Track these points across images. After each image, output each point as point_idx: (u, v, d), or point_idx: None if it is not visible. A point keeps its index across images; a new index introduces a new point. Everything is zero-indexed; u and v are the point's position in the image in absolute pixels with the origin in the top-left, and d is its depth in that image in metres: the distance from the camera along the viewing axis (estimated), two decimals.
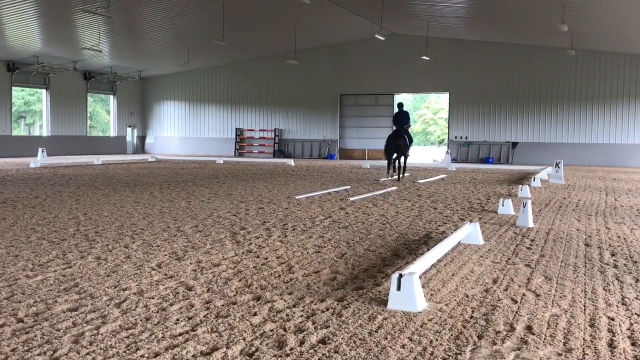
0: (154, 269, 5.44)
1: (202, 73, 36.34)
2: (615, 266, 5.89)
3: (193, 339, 3.62)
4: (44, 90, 32.48)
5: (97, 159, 24.50)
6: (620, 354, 3.51)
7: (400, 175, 16.69)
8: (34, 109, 47.47)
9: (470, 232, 6.96)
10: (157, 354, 3.37)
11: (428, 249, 6.32)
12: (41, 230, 7.49)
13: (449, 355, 3.44)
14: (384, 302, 4.40)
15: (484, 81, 30.23)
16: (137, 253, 6.15)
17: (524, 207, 8.50)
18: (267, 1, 22.70)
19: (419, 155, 38.10)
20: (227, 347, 3.49)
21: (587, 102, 28.66)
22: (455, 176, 19.43)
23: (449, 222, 8.83)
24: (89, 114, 36.67)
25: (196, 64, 33.33)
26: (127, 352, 3.39)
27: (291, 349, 3.49)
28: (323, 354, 3.42)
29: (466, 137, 31.02)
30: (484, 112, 30.55)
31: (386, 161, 17.27)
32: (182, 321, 3.96)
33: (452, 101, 31.35)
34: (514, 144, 30.00)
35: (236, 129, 35.92)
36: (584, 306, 4.47)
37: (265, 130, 35.25)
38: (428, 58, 28.28)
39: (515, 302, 4.55)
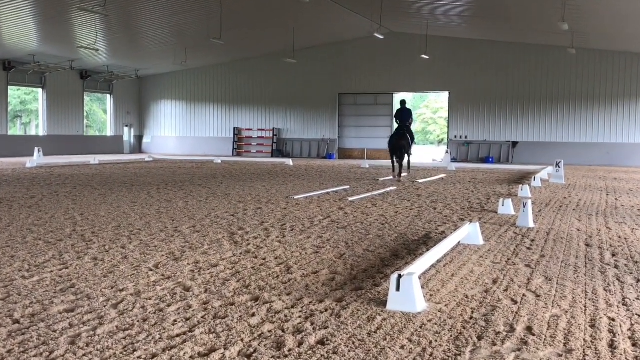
0: (151, 270, 5.42)
1: (200, 72, 36.29)
2: (616, 266, 5.87)
3: (191, 340, 3.60)
4: (40, 90, 32.39)
5: (94, 159, 24.45)
6: (621, 354, 3.50)
7: (404, 174, 16.79)
8: (30, 108, 47.35)
9: (470, 233, 6.94)
10: (154, 356, 3.35)
11: (427, 250, 6.30)
12: (37, 231, 7.45)
13: (449, 356, 3.43)
14: (383, 303, 4.38)
15: (483, 80, 30.20)
16: (134, 253, 6.12)
17: (524, 207, 8.48)
18: None
19: (419, 154, 38.07)
20: (225, 348, 3.47)
21: (587, 101, 28.64)
22: (455, 176, 19.42)
23: (448, 222, 8.81)
24: (85, 114, 36.60)
25: (194, 63, 33.29)
26: (124, 353, 3.38)
27: (290, 350, 3.48)
28: (322, 355, 3.41)
29: (466, 137, 31.00)
30: (484, 111, 30.54)
31: (390, 162, 17.38)
32: (179, 322, 3.94)
33: (451, 100, 31.33)
34: (514, 144, 29.99)
35: (234, 128, 35.88)
36: (585, 307, 4.45)
37: (263, 129, 35.21)
38: (427, 57, 28.25)
39: (516, 302, 4.53)
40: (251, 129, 35.57)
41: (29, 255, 5.95)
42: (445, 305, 4.40)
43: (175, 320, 3.97)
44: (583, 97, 28.68)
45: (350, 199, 11.59)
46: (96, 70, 34.13)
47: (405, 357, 3.40)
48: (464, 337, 3.74)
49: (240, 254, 6.20)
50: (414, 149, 18.03)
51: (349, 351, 3.47)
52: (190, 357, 3.36)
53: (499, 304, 4.48)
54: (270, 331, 3.79)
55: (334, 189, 13.56)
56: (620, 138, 28.28)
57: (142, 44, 29.37)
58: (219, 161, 26.77)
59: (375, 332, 3.80)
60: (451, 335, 3.77)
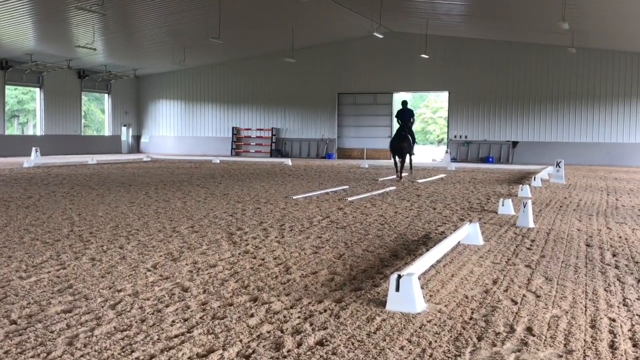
0: (149, 270, 5.40)
1: (198, 71, 36.24)
2: (617, 267, 5.86)
3: (189, 341, 3.59)
4: (37, 89, 32.31)
5: (92, 159, 24.40)
6: (622, 355, 3.49)
7: (405, 174, 16.88)
8: (28, 108, 47.30)
9: (469, 233, 6.92)
10: (152, 356, 3.34)
11: (427, 250, 6.28)
12: (35, 231, 7.43)
13: (448, 357, 3.42)
14: (383, 304, 4.37)
15: (483, 79, 30.17)
16: (132, 254, 6.10)
17: (524, 207, 8.46)
18: None
19: (418, 154, 38.03)
20: (223, 349, 3.46)
21: (588, 101, 28.60)
22: (454, 176, 19.41)
23: (448, 222, 8.80)
24: (83, 113, 36.54)
25: (192, 62, 33.24)
26: (122, 354, 3.37)
27: (288, 350, 3.46)
28: (321, 356, 3.39)
29: (466, 136, 30.98)
30: (484, 110, 30.51)
31: (392, 162, 17.55)
32: (177, 323, 3.92)
33: (451, 100, 31.30)
34: (514, 143, 29.97)
35: (233, 128, 35.84)
36: (585, 307, 4.44)
37: (262, 129, 35.18)
38: (427, 56, 28.22)
39: (516, 303, 4.51)
40: (250, 129, 35.54)
41: (27, 256, 5.92)
42: (445, 306, 4.39)
43: (173, 321, 3.95)
44: (583, 96, 28.65)
45: (350, 199, 11.57)
46: (94, 70, 34.06)
47: (405, 358, 3.39)
48: (463, 337, 3.73)
49: (239, 254, 6.17)
50: (416, 148, 18.16)
51: (348, 352, 3.45)
52: (189, 358, 3.34)
53: (499, 304, 4.46)
54: (269, 332, 3.78)
55: (333, 189, 13.54)
56: (620, 138, 28.25)
57: (140, 43, 29.33)
58: (218, 161, 26.74)
59: (375, 333, 3.79)
60: (451, 336, 3.75)
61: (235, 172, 19.37)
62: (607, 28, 23.82)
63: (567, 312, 4.29)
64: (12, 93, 43.45)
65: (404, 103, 17.27)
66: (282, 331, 3.79)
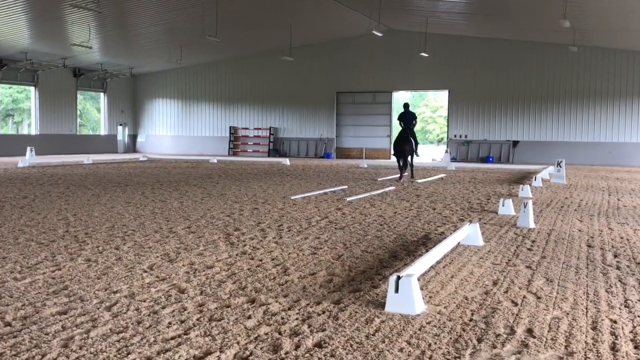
0: (145, 271, 5.36)
1: (195, 70, 36.18)
2: (618, 268, 5.84)
3: (186, 343, 3.57)
4: (32, 88, 32.22)
5: (87, 158, 24.34)
6: (623, 357, 3.48)
7: (405, 174, 16.94)
8: (22, 107, 47.17)
9: (469, 233, 6.89)
10: (149, 358, 3.33)
11: (427, 251, 6.26)
12: (29, 232, 7.39)
13: (448, 359, 3.40)
14: (382, 305, 4.35)
15: (484, 78, 30.13)
16: (128, 255, 6.06)
17: (525, 207, 8.43)
18: None
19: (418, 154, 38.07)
20: (220, 351, 3.45)
21: (589, 100, 28.58)
22: (454, 176, 19.40)
23: (448, 222, 8.77)
24: (78, 112, 36.44)
25: (189, 60, 33.15)
26: (118, 356, 3.35)
27: (286, 352, 3.45)
28: (319, 358, 3.38)
29: (466, 136, 30.97)
30: (484, 110, 30.49)
31: (394, 163, 17.75)
32: (174, 325, 3.90)
33: (451, 99, 31.27)
34: (515, 143, 29.96)
35: (230, 127, 35.79)
36: (586, 309, 4.42)
37: (260, 128, 35.14)
38: (427, 55, 28.18)
39: (516, 304, 4.49)
40: (247, 128, 35.49)
41: (21, 257, 5.88)
42: (445, 307, 4.37)
43: (170, 323, 3.92)
44: (585, 95, 28.62)
45: (349, 199, 11.54)
46: (89, 68, 33.96)
47: None
48: (463, 339, 3.72)
49: (237, 255, 6.14)
50: (419, 149, 18.35)
51: (347, 354, 3.43)
52: None
53: (499, 305, 4.44)
54: (266, 334, 3.76)
55: (332, 189, 13.52)
56: (622, 137, 28.21)
57: (137, 41, 29.25)
58: (215, 161, 26.71)
59: (374, 335, 3.77)
60: (450, 338, 3.74)
61: (232, 172, 19.34)
62: (609, 26, 23.75)
63: (568, 314, 4.27)
64: (7, 92, 43.32)
65: (406, 106, 17.41)
66: (280, 333, 3.77)
